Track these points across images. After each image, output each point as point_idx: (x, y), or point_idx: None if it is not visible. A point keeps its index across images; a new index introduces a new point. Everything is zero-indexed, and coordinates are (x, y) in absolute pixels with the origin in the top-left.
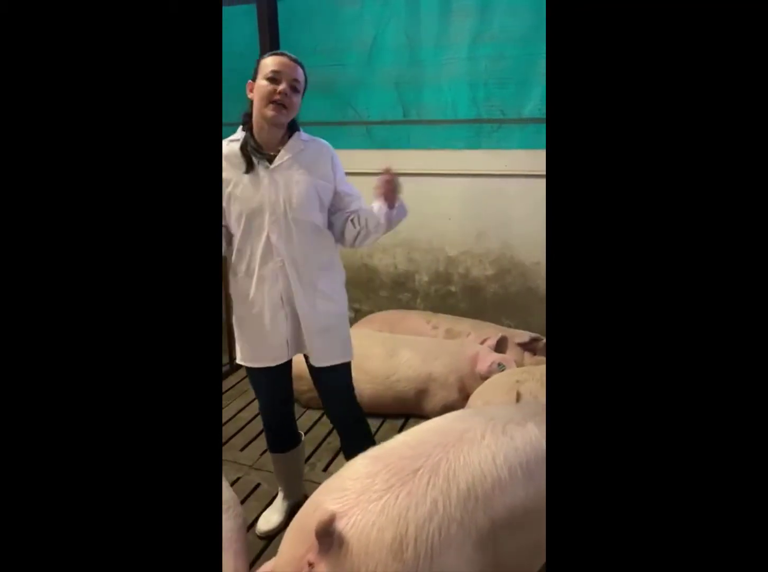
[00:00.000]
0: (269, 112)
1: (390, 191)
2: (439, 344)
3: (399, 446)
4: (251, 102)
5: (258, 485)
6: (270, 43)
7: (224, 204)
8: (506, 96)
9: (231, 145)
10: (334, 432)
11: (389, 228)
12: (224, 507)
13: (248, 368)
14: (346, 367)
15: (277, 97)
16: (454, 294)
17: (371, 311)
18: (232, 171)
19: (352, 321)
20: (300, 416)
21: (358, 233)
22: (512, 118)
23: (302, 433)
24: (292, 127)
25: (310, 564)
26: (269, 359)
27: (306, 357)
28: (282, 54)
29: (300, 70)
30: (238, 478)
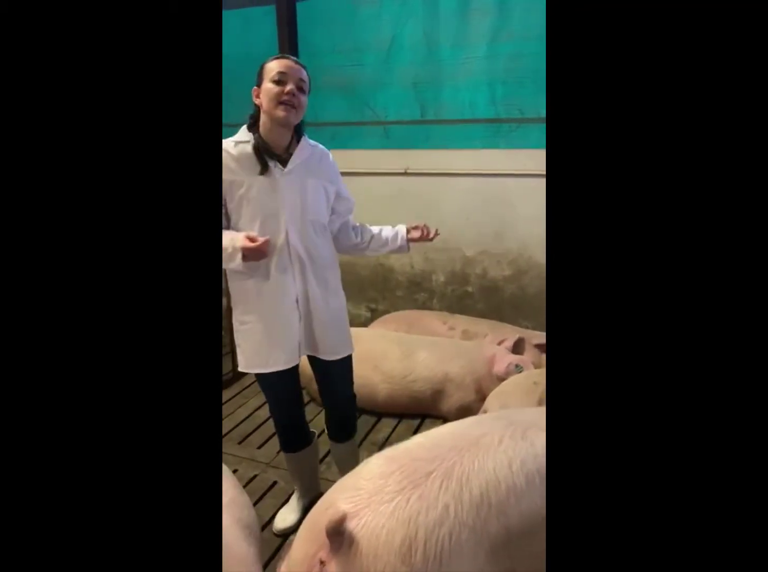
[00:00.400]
0: (280, 112)
1: (422, 241)
2: (455, 345)
3: (414, 447)
4: (257, 108)
5: (275, 483)
6: (289, 43)
7: (232, 206)
8: (525, 95)
9: (240, 146)
10: None
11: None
12: (246, 532)
13: (259, 375)
14: (349, 356)
15: (286, 97)
16: (471, 295)
17: (387, 311)
18: (243, 173)
19: (368, 321)
20: (315, 416)
21: (356, 245)
22: (531, 118)
23: (315, 432)
24: (298, 130)
25: (322, 562)
26: (282, 363)
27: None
28: (285, 57)
29: (304, 72)
30: (255, 476)
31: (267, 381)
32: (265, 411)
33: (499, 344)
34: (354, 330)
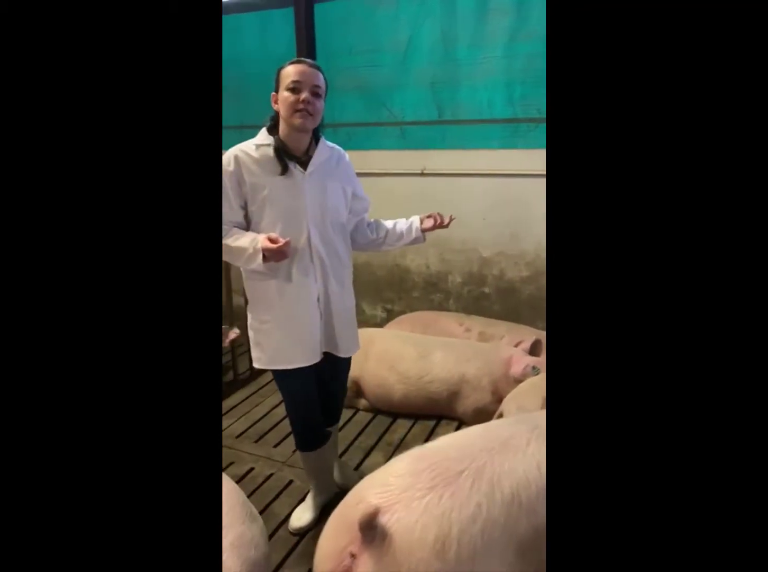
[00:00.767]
0: (297, 120)
1: (436, 228)
2: (472, 346)
3: (443, 447)
4: (276, 112)
5: (290, 481)
6: (307, 45)
7: (254, 208)
8: (543, 95)
9: (261, 149)
10: (366, 431)
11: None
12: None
13: (279, 371)
14: None
15: (302, 105)
16: (487, 296)
17: (403, 312)
18: (265, 176)
19: (384, 321)
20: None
21: (372, 241)
22: None
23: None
24: (316, 132)
25: (353, 555)
26: (304, 359)
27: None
28: (300, 62)
29: (320, 75)
30: (271, 474)
31: (286, 380)
32: (281, 410)
33: (516, 345)
34: (370, 330)
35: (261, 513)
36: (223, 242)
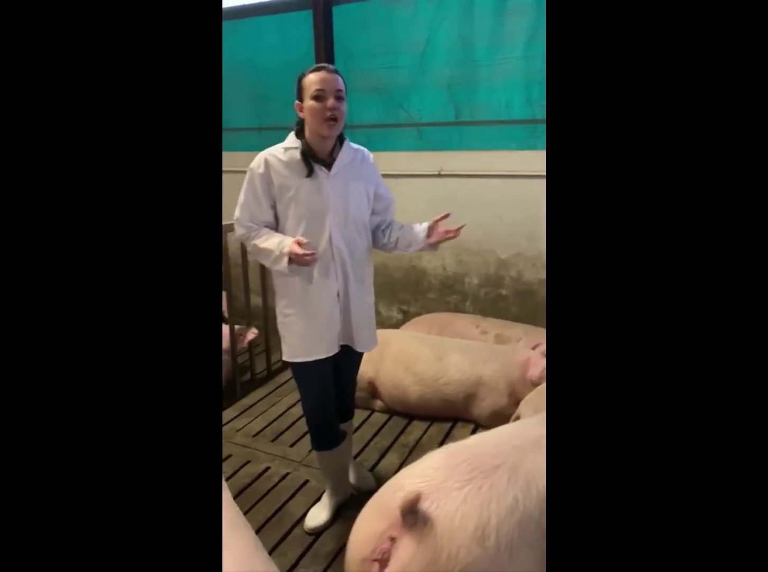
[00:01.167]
0: (325, 130)
1: (448, 239)
2: (489, 348)
3: (475, 444)
4: (301, 119)
5: (306, 481)
6: (325, 47)
7: (281, 208)
8: None
9: (289, 152)
10: (381, 431)
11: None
12: None
13: (298, 365)
14: None
15: (329, 113)
16: (504, 298)
17: (419, 313)
18: (291, 177)
19: (400, 323)
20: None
21: (384, 245)
22: None
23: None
24: (340, 134)
25: (392, 539)
26: (323, 351)
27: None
28: (320, 68)
29: (340, 79)
30: (287, 473)
31: (304, 374)
32: (297, 410)
33: (534, 348)
34: (386, 331)
35: (276, 512)
36: (253, 242)
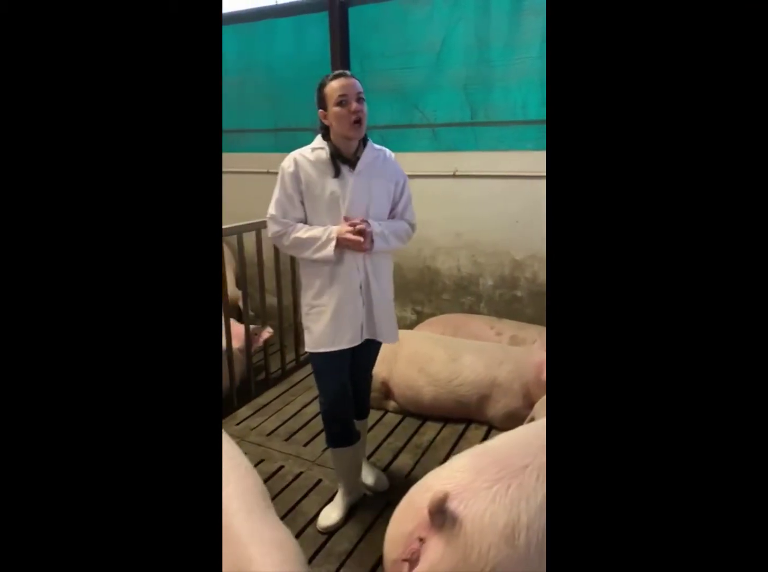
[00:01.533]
0: (352, 132)
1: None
2: (503, 350)
3: (502, 445)
4: (325, 125)
5: (319, 480)
6: (341, 48)
7: (308, 205)
8: None
9: (316, 152)
10: (395, 432)
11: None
12: None
13: (320, 357)
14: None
15: (354, 116)
16: (519, 299)
17: (433, 314)
18: (318, 176)
19: (414, 323)
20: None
21: None
22: None
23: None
24: (363, 135)
25: (421, 539)
26: (346, 341)
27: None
28: (340, 75)
29: (358, 83)
30: (301, 473)
31: (325, 366)
32: (311, 409)
33: None
34: (400, 332)
35: (290, 511)
36: (293, 235)
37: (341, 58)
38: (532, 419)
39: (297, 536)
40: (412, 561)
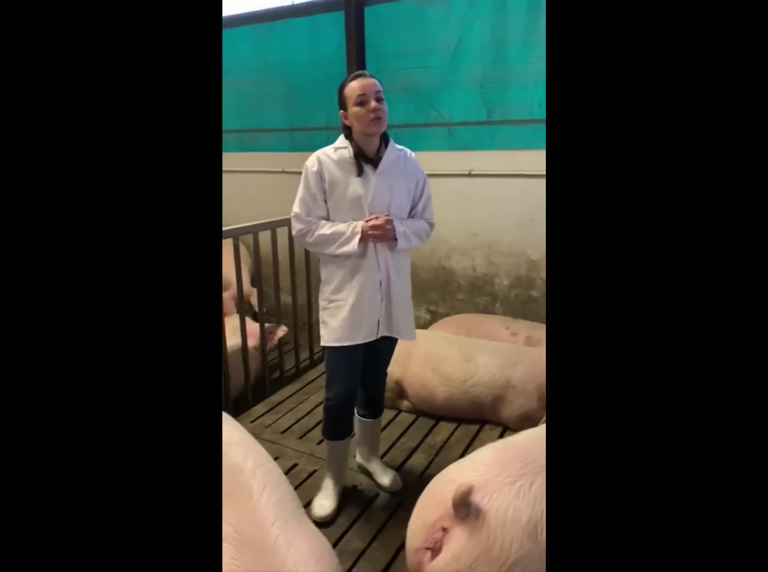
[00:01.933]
0: (373, 129)
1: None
2: (518, 351)
3: (524, 441)
4: (347, 125)
5: None
6: (356, 48)
7: (331, 203)
8: None
9: (339, 151)
10: (408, 432)
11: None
12: None
13: (334, 351)
14: (396, 340)
15: (373, 114)
16: (535, 299)
17: (447, 314)
18: (342, 175)
19: (428, 323)
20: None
21: None
22: None
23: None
24: (385, 135)
25: (444, 530)
26: (362, 336)
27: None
28: (358, 76)
29: (377, 82)
30: (314, 471)
31: (338, 361)
32: None
33: None
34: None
35: (303, 508)
36: (317, 232)
37: (357, 58)
38: None
39: None
40: (435, 550)
